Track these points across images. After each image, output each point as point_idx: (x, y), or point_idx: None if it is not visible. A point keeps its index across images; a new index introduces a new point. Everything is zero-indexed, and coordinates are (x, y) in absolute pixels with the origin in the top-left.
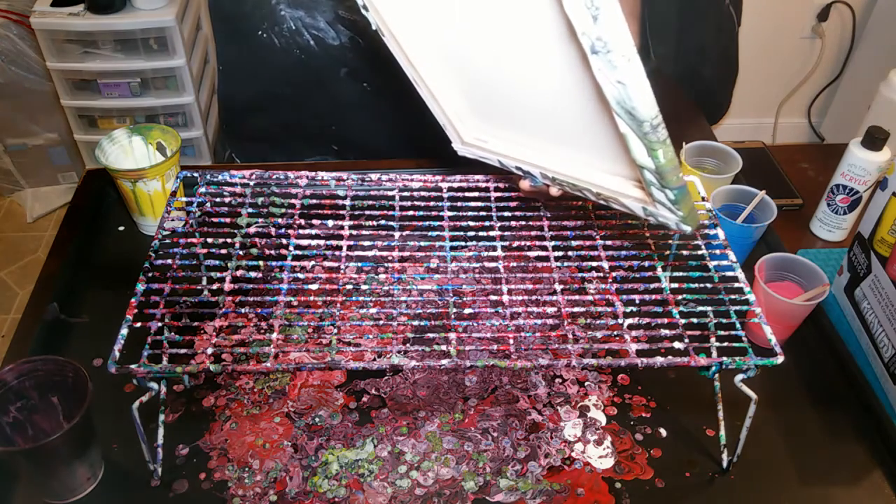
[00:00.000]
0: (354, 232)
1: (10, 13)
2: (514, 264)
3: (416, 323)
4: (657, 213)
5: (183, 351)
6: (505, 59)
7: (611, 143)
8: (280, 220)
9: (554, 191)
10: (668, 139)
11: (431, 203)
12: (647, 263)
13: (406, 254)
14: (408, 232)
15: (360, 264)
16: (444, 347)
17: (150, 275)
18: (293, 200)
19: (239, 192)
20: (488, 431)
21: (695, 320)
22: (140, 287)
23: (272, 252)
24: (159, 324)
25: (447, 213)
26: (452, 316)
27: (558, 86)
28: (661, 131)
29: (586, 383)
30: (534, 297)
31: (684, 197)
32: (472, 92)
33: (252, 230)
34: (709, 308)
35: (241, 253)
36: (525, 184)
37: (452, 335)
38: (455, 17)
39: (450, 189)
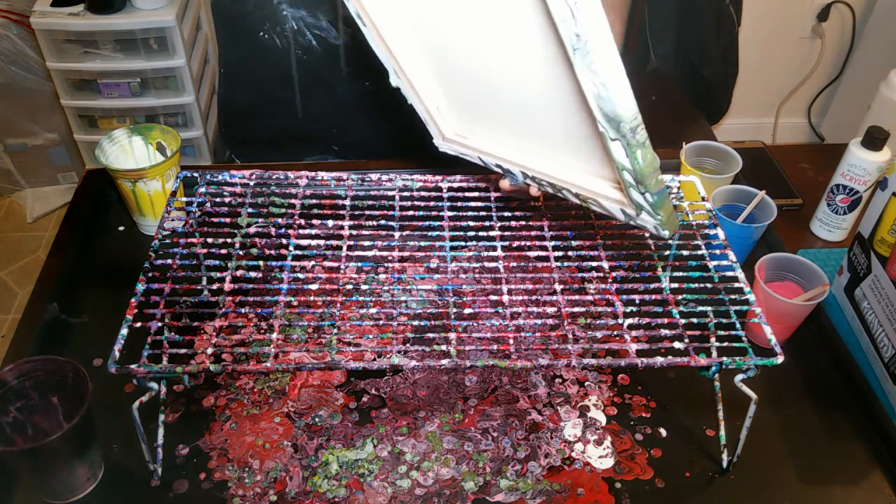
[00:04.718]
0: (354, 232)
1: (10, 13)
2: (514, 264)
3: (416, 323)
4: (635, 217)
5: (183, 351)
6: (485, 55)
7: (590, 143)
8: (280, 220)
9: (534, 190)
10: (647, 141)
11: (431, 203)
12: (647, 263)
13: (406, 254)
14: (408, 232)
15: (360, 264)
16: (444, 347)
17: (150, 275)
18: (293, 200)
19: (239, 192)
20: (488, 431)
21: (695, 320)
22: (140, 287)
23: (272, 252)
24: (159, 324)
25: (447, 213)
26: (452, 316)
27: (538, 83)
28: (641, 133)
29: (586, 383)
30: (534, 297)
31: (663, 200)
32: (452, 86)
33: (252, 230)
34: (709, 308)
35: (241, 253)
36: (505, 183)
37: (452, 335)
38: (435, 9)
39: (450, 189)
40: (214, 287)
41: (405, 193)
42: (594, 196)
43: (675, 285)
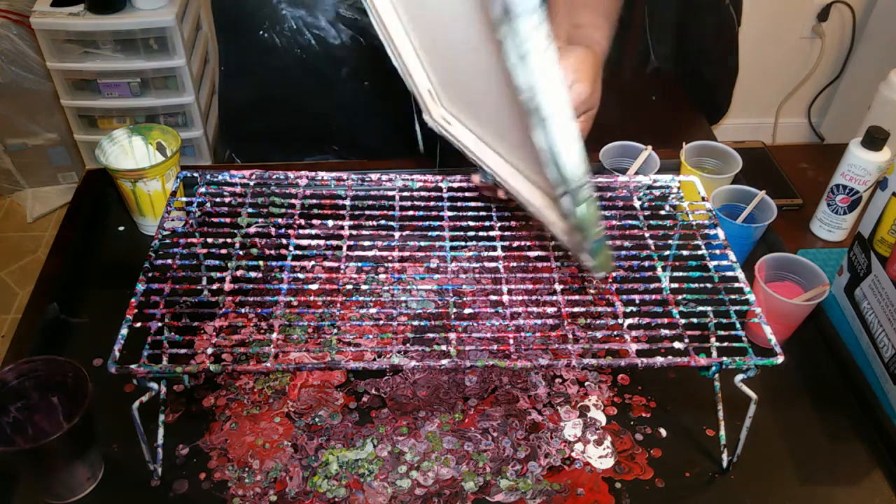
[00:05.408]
0: (354, 232)
1: (10, 13)
2: (514, 264)
3: (416, 323)
4: (576, 254)
5: (183, 351)
6: (464, 49)
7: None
8: (280, 220)
9: (502, 192)
10: (592, 198)
11: (431, 203)
12: (647, 263)
13: (406, 254)
14: (408, 232)
15: (360, 264)
16: (444, 347)
17: (150, 275)
18: (293, 200)
19: (239, 192)
20: (488, 431)
21: (695, 320)
22: (140, 287)
23: (272, 252)
24: (159, 324)
25: (447, 213)
26: (452, 316)
27: (506, 98)
28: (586, 190)
29: (586, 383)
30: (534, 297)
31: (601, 248)
32: (440, 72)
33: (252, 230)
34: (709, 308)
35: (241, 253)
36: (476, 177)
37: (452, 335)
38: None
39: (450, 189)
40: (214, 287)
41: (405, 193)
42: (548, 224)
43: (675, 285)
